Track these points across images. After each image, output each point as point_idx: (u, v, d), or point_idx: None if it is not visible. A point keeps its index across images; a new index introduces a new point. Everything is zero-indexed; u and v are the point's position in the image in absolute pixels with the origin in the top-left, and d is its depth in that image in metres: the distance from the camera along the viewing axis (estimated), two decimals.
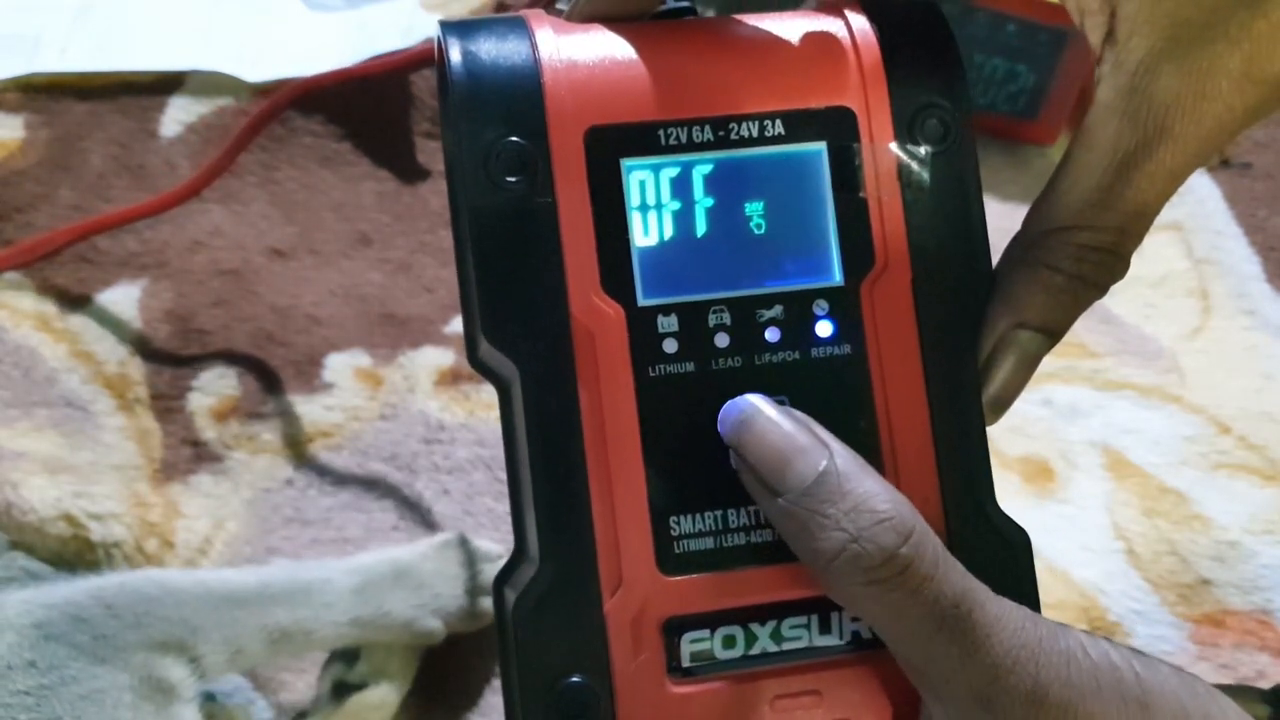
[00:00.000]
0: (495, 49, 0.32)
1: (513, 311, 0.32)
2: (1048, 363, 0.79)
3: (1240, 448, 0.70)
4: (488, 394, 0.70)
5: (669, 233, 0.32)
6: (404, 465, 0.67)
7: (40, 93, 0.81)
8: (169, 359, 0.71)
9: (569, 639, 0.31)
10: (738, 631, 0.32)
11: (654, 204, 0.32)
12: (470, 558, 0.60)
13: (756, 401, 0.32)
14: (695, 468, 0.32)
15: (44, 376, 0.69)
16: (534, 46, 0.32)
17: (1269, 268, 0.80)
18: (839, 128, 0.33)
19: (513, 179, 0.31)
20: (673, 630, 0.32)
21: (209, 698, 0.56)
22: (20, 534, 0.61)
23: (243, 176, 0.78)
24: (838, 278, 0.33)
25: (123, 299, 0.73)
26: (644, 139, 0.32)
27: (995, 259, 0.35)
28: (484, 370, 0.33)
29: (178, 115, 0.81)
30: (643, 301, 0.32)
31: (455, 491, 0.66)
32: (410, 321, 0.73)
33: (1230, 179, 0.84)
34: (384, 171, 0.80)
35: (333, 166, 0.80)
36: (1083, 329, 0.75)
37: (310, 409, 0.69)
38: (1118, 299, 0.78)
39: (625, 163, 0.32)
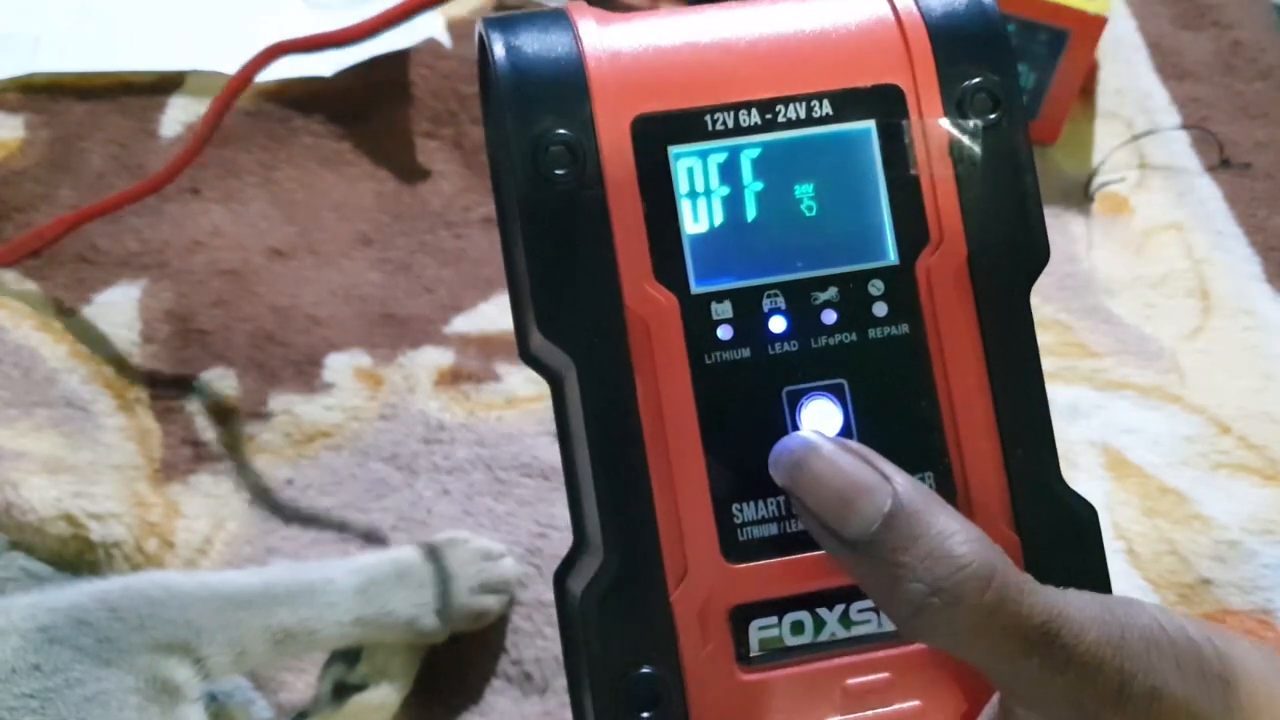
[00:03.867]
0: (539, 42, 0.32)
1: (567, 304, 0.31)
2: (1048, 363, 0.79)
3: (1240, 448, 0.70)
4: (488, 394, 0.70)
5: (719, 219, 0.32)
6: (404, 465, 0.67)
7: (40, 93, 0.81)
8: (169, 359, 0.71)
9: (637, 630, 0.31)
10: (806, 617, 0.32)
11: (703, 191, 0.32)
12: (472, 556, 0.60)
13: (809, 438, 0.31)
14: (755, 454, 0.32)
15: (44, 376, 0.69)
16: (577, 38, 0.32)
17: (1269, 268, 0.80)
18: (887, 105, 0.33)
19: (561, 172, 0.31)
20: (740, 618, 0.32)
21: (209, 698, 0.56)
22: (20, 534, 0.61)
23: (242, 176, 0.78)
24: (892, 257, 0.32)
25: (123, 299, 0.72)
26: (691, 125, 0.32)
27: None
28: (536, 364, 0.33)
29: (178, 115, 0.81)
30: (696, 289, 0.32)
31: (455, 491, 0.66)
32: (410, 321, 0.73)
33: (1230, 179, 0.84)
34: (384, 171, 0.80)
35: (333, 166, 0.80)
36: (1083, 329, 0.76)
37: (310, 409, 0.69)
38: (1118, 299, 0.78)
39: (673, 150, 0.32)
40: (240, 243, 0.75)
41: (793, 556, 0.32)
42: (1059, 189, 0.83)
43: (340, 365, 0.71)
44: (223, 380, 0.70)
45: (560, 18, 0.33)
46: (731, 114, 0.32)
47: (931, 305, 0.32)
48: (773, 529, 0.32)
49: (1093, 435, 0.70)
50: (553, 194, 0.31)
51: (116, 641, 0.50)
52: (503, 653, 0.61)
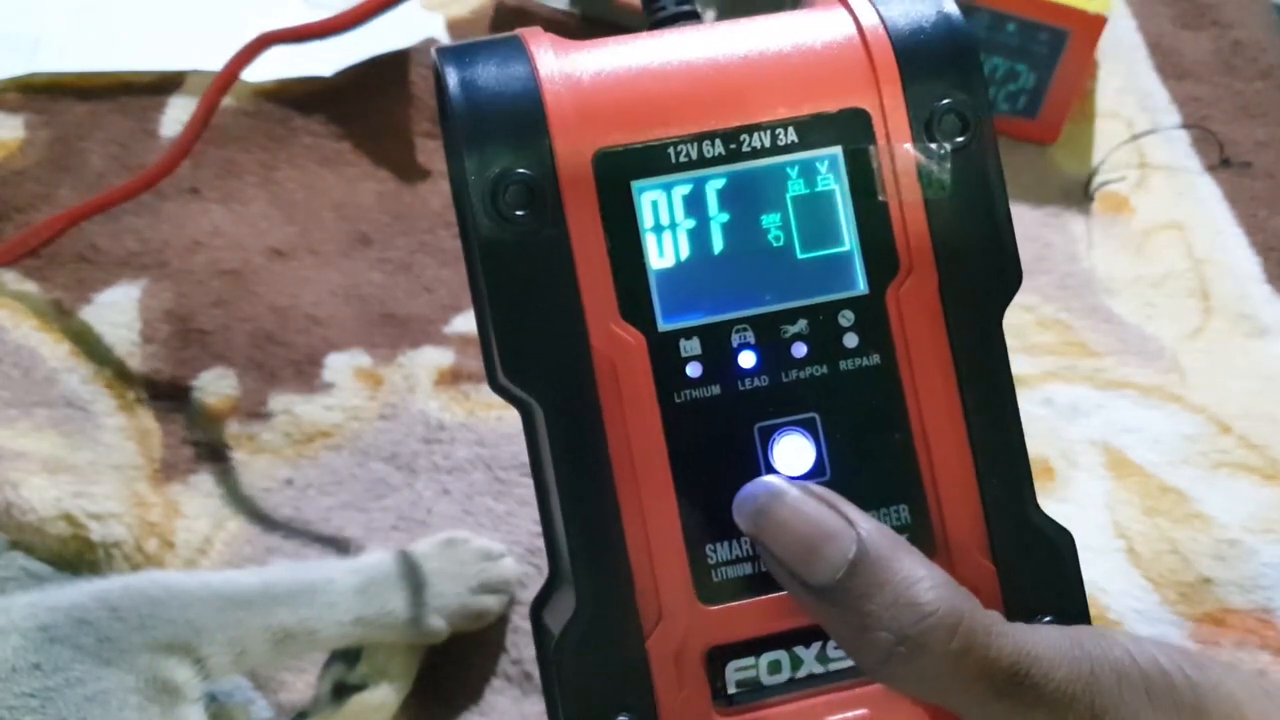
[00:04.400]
0: (494, 75, 0.31)
1: (531, 348, 0.31)
2: (1049, 362, 0.79)
3: (1241, 447, 0.70)
4: (488, 394, 0.70)
5: (685, 253, 0.32)
6: (404, 465, 0.67)
7: (40, 93, 0.81)
8: (169, 359, 0.71)
9: (613, 678, 0.31)
10: (783, 656, 0.32)
11: (668, 224, 0.31)
12: (472, 556, 0.60)
13: (772, 484, 0.31)
14: (728, 493, 0.31)
15: (44, 376, 0.69)
16: (534, 70, 0.31)
17: (1269, 268, 0.80)
18: (854, 130, 0.32)
19: (521, 212, 0.31)
20: (716, 659, 0.32)
21: (209, 698, 0.56)
22: (20, 534, 0.61)
23: (243, 176, 0.78)
24: (862, 286, 0.32)
25: (123, 299, 0.72)
26: (654, 158, 0.31)
27: None
28: (504, 395, 0.32)
29: (178, 115, 0.81)
30: (663, 326, 0.31)
31: (455, 491, 0.66)
32: (410, 321, 0.73)
33: (1230, 179, 0.84)
34: (384, 171, 0.80)
35: (333, 166, 0.80)
36: (1084, 328, 0.76)
37: (310, 409, 0.69)
38: (1119, 299, 0.78)
39: (636, 184, 0.31)
40: (240, 243, 0.75)
41: (768, 596, 0.32)
42: (1059, 189, 0.83)
43: (340, 365, 0.71)
44: (223, 380, 0.70)
45: (517, 46, 0.32)
46: (695, 145, 0.32)
47: (903, 335, 0.32)
48: (747, 568, 0.32)
49: (1093, 434, 0.70)
50: (513, 235, 0.31)
51: (117, 641, 0.50)
52: (503, 653, 0.61)
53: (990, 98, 0.33)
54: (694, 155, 0.32)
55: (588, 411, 0.31)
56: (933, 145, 0.32)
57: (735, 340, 0.32)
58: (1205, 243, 0.81)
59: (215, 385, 0.70)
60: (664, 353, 0.31)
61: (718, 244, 0.32)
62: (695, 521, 0.31)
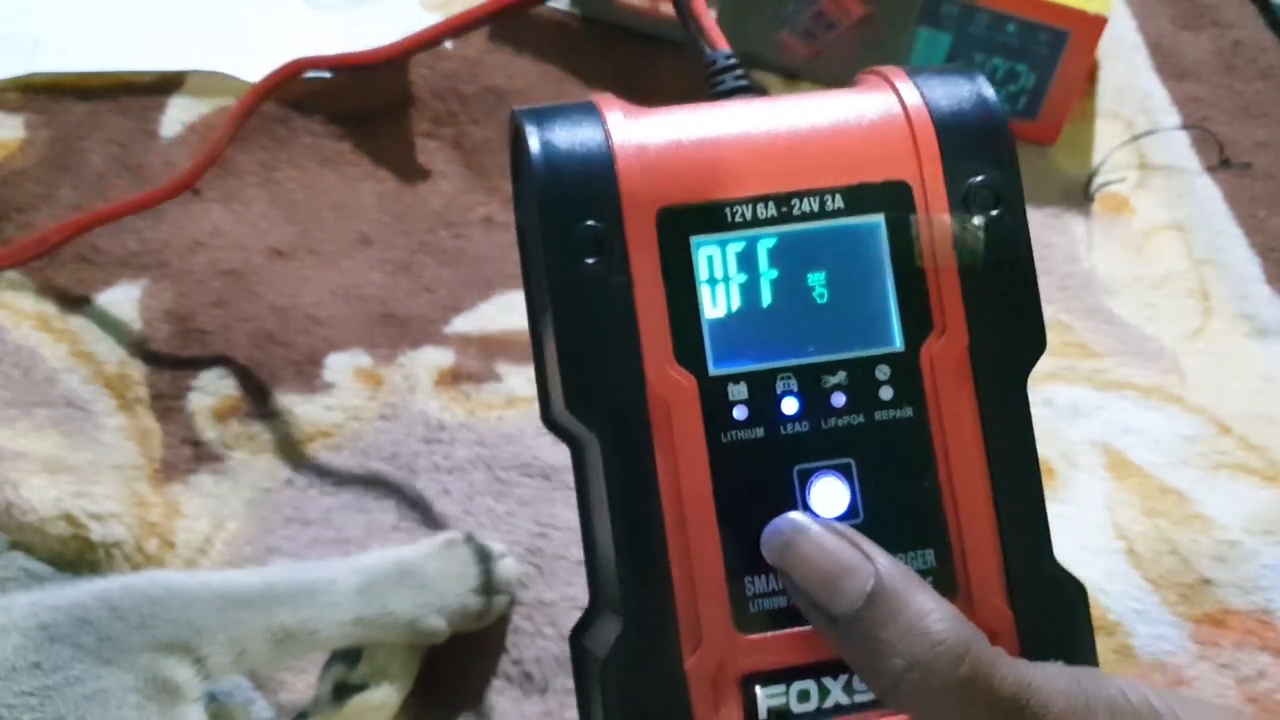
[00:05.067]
0: (571, 136, 0.34)
1: (593, 384, 0.33)
2: (1049, 363, 0.79)
3: (1241, 448, 0.70)
4: (488, 394, 0.70)
5: (736, 304, 0.34)
6: (404, 465, 0.67)
7: (40, 93, 0.81)
8: (169, 359, 0.71)
9: (655, 698, 0.33)
10: (812, 686, 0.34)
11: (722, 278, 0.34)
12: (474, 556, 0.60)
13: (797, 521, 0.33)
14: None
15: (44, 376, 0.69)
16: (607, 134, 0.34)
17: (1269, 269, 0.80)
18: (896, 201, 0.35)
19: (591, 260, 0.33)
20: (750, 686, 0.34)
21: (209, 698, 0.56)
22: (20, 534, 0.61)
23: (243, 176, 0.78)
24: (898, 344, 0.35)
25: (123, 299, 0.72)
26: (712, 217, 0.34)
27: None
28: (556, 429, 0.35)
29: (178, 115, 0.81)
30: (714, 371, 0.34)
31: (455, 491, 0.66)
32: (410, 321, 0.73)
33: (1230, 179, 0.84)
34: (384, 171, 0.80)
35: (333, 166, 0.80)
36: (1084, 329, 0.76)
37: (310, 409, 0.69)
38: (1119, 299, 0.78)
39: (694, 240, 0.34)
40: (240, 243, 0.75)
41: (800, 629, 0.34)
42: (1059, 189, 0.83)
43: (340, 365, 0.71)
44: (223, 380, 0.70)
45: (591, 111, 0.35)
46: (750, 207, 0.34)
47: (934, 390, 0.35)
48: (782, 601, 0.34)
49: (1093, 435, 0.70)
50: (583, 281, 0.34)
51: (117, 640, 0.50)
52: (503, 653, 0.61)
53: (1019, 172, 0.36)
54: (748, 216, 0.35)
55: (642, 446, 0.33)
56: (968, 216, 0.35)
57: (779, 387, 0.34)
58: (1205, 243, 0.81)
59: (215, 385, 0.70)
60: (713, 395, 0.34)
61: (766, 298, 0.35)
62: (735, 554, 0.34)
